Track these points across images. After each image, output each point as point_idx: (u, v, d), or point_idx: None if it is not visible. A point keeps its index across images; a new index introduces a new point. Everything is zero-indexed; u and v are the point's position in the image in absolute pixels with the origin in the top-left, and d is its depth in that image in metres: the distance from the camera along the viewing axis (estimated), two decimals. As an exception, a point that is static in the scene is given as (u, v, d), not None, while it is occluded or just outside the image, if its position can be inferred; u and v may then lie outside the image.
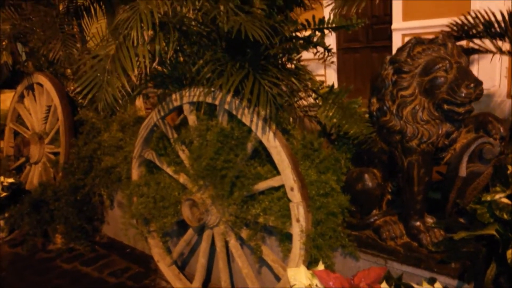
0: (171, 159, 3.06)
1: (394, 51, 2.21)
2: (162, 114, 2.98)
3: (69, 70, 4.87)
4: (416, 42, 2.03)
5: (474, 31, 3.45)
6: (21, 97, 5.10)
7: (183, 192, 2.99)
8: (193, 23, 2.42)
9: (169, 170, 3.06)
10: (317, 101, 2.61)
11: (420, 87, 2.03)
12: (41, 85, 4.72)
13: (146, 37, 2.14)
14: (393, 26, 5.92)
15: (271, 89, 2.28)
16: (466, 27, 3.51)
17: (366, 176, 2.29)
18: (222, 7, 2.34)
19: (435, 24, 5.00)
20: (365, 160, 2.40)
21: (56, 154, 4.67)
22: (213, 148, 2.59)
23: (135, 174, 3.32)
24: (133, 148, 3.92)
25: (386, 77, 2.10)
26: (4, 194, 4.28)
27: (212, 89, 2.55)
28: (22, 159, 4.99)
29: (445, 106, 1.99)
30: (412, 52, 2.03)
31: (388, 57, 2.16)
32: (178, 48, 2.45)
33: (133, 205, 3.20)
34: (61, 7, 4.38)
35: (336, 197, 2.37)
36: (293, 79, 2.44)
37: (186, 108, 2.83)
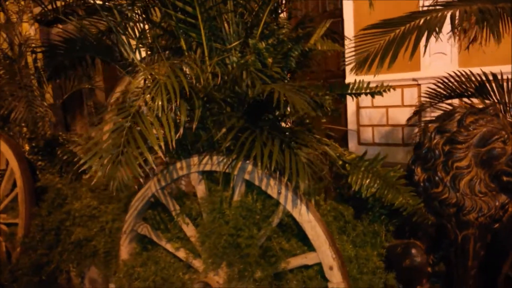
0: (172, 235, 2.70)
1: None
2: (163, 184, 2.65)
3: (25, 129, 4.36)
4: (468, 112, 1.96)
5: (461, 89, 3.53)
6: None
7: (188, 273, 2.63)
8: (214, 89, 2.19)
9: (169, 247, 2.69)
10: (344, 169, 2.43)
11: (476, 158, 1.94)
12: (-8, 146, 4.15)
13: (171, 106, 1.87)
14: (346, 81, 6.03)
15: (308, 159, 2.08)
16: (454, 86, 3.59)
17: (414, 251, 2.13)
18: (244, 74, 2.17)
19: (387, 79, 5.19)
20: (406, 232, 2.25)
21: (9, 225, 4.06)
22: (234, 224, 2.31)
23: (124, 252, 2.91)
24: (110, 217, 3.50)
25: (435, 147, 1.99)
26: None
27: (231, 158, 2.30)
28: (-36, 231, 4.30)
29: (504, 178, 1.91)
30: (465, 122, 1.95)
31: (432, 126, 2.06)
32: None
33: (127, 291, 2.77)
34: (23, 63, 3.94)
35: (381, 275, 2.16)
36: (326, 147, 2.27)
37: (194, 177, 2.53)
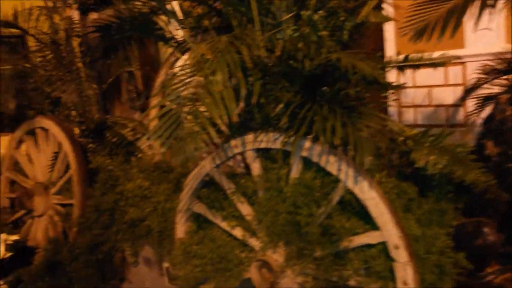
0: (228, 213, 2.68)
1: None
2: (218, 162, 2.62)
3: (74, 113, 4.45)
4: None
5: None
6: (19, 143, 4.61)
7: (245, 251, 2.61)
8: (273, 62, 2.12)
9: (225, 225, 2.68)
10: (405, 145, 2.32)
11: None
12: (44, 129, 4.26)
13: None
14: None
15: (370, 134, 1.99)
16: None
17: (487, 229, 2.01)
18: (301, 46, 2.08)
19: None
20: (475, 209, 2.13)
21: (64, 206, 4.19)
22: (292, 201, 2.26)
23: (180, 230, 2.92)
24: (162, 197, 3.54)
25: (509, 119, 1.85)
26: (9, 254, 3.74)
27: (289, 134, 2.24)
28: (21, 212, 4.47)
29: None
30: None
31: (503, 97, 1.92)
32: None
33: (184, 268, 2.78)
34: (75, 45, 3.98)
35: (450, 254, 2.06)
36: (389, 121, 2.17)
37: (250, 155, 2.49)
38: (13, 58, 4.16)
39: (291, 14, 2.32)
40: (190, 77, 1.90)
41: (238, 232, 2.63)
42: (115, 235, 3.63)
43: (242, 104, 1.93)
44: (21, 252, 3.98)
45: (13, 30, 4.28)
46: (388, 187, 2.29)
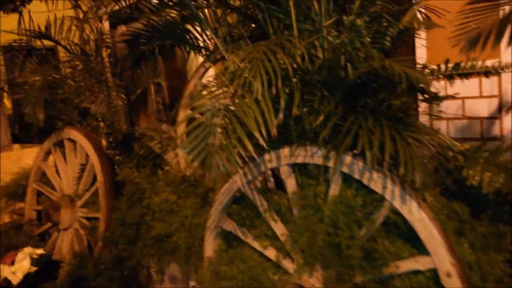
0: (260, 232, 2.52)
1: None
2: (249, 177, 2.47)
3: (102, 124, 4.39)
4: None
5: None
6: (47, 155, 4.58)
7: (278, 273, 2.44)
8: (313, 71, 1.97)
9: (257, 245, 2.52)
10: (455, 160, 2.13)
11: None
12: (72, 141, 4.21)
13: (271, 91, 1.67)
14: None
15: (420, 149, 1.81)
16: None
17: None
18: (344, 54, 1.92)
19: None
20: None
21: (90, 219, 4.10)
22: (332, 221, 2.09)
23: (209, 248, 2.77)
24: (190, 212, 3.42)
25: None
26: (34, 269, 3.66)
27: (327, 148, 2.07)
28: (48, 225, 4.41)
29: None
30: None
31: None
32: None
33: (213, 290, 2.63)
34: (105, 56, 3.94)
35: (509, 284, 1.85)
36: (440, 136, 1.98)
37: (284, 170, 2.33)
38: (43, 69, 4.15)
39: (332, 19, 2.18)
40: (224, 87, 1.77)
41: (271, 253, 2.46)
42: (140, 250, 3.51)
43: (281, 116, 1.77)
44: (46, 266, 3.89)
45: (45, 41, 4.28)
46: (437, 207, 2.09)
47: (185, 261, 3.26)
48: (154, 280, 3.69)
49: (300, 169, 2.35)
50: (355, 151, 1.92)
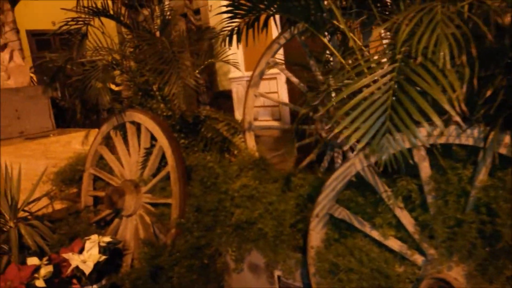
0: (383, 220, 2.30)
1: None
2: (372, 160, 2.25)
3: (162, 105, 4.18)
4: None
5: None
6: (106, 138, 4.39)
7: (402, 265, 2.23)
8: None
9: (376, 235, 2.30)
10: None
11: None
12: (135, 124, 4.01)
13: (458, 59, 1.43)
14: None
15: None
16: None
17: None
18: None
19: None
20: None
21: (154, 205, 3.92)
22: (483, 208, 1.87)
23: (316, 238, 2.56)
24: (274, 198, 3.22)
25: None
26: (104, 257, 3.49)
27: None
28: (107, 211, 4.24)
29: None
30: None
31: None
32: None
33: (326, 282, 2.43)
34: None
35: None
36: None
37: (419, 152, 2.10)
38: (103, 49, 3.93)
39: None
40: (396, 55, 1.53)
41: (394, 243, 2.25)
42: (219, 237, 3.32)
43: (464, 88, 1.54)
44: (113, 254, 3.74)
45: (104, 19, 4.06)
46: None
47: (272, 250, 3.06)
48: (231, 268, 3.51)
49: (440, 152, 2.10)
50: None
